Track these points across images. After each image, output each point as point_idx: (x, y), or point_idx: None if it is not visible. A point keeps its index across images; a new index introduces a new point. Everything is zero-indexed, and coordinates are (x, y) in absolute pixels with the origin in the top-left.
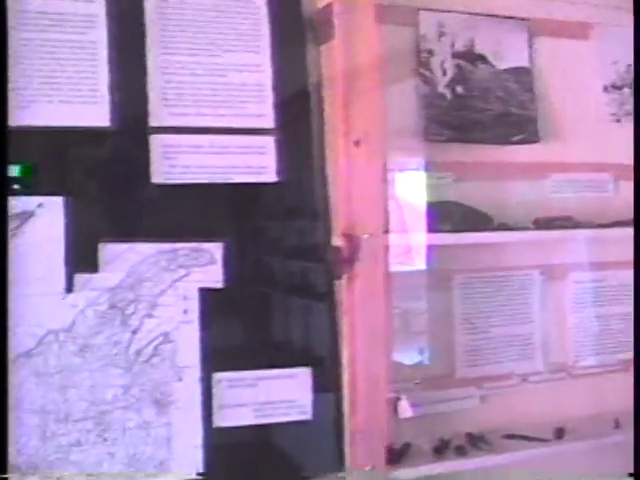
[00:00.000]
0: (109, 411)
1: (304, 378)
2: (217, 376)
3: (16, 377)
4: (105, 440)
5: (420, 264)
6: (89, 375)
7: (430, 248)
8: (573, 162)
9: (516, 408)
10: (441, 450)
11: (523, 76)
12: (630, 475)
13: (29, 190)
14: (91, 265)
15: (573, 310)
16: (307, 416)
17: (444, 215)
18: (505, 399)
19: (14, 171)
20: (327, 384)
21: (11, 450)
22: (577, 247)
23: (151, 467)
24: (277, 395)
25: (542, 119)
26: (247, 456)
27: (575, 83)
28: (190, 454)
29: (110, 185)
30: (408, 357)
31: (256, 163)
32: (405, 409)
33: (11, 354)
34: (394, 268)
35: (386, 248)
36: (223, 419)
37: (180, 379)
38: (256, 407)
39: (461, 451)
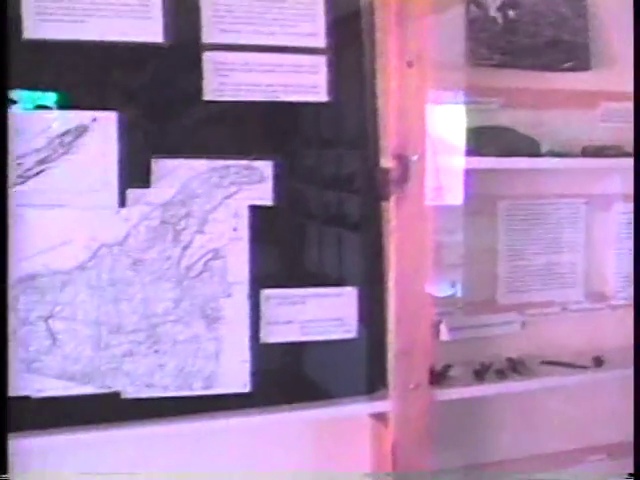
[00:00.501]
0: (160, 324)
1: (350, 297)
2: (265, 293)
3: (71, 289)
4: (156, 352)
5: (465, 189)
6: (141, 288)
7: (476, 172)
8: (624, 91)
9: (556, 335)
10: (481, 373)
11: (576, 2)
12: (630, 475)
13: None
14: (144, 180)
15: (616, 241)
16: (352, 334)
17: (491, 139)
18: (545, 326)
19: (51, 99)
20: (372, 304)
21: (66, 363)
22: (623, 178)
23: (199, 380)
24: (323, 313)
25: (594, 46)
26: (292, 373)
27: (629, 11)
28: (237, 369)
29: (163, 101)
30: (450, 283)
31: (307, 82)
32: (445, 332)
33: (66, 266)
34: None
35: (437, 170)
36: (270, 335)
37: (229, 295)
38: (302, 324)
39: (501, 375)
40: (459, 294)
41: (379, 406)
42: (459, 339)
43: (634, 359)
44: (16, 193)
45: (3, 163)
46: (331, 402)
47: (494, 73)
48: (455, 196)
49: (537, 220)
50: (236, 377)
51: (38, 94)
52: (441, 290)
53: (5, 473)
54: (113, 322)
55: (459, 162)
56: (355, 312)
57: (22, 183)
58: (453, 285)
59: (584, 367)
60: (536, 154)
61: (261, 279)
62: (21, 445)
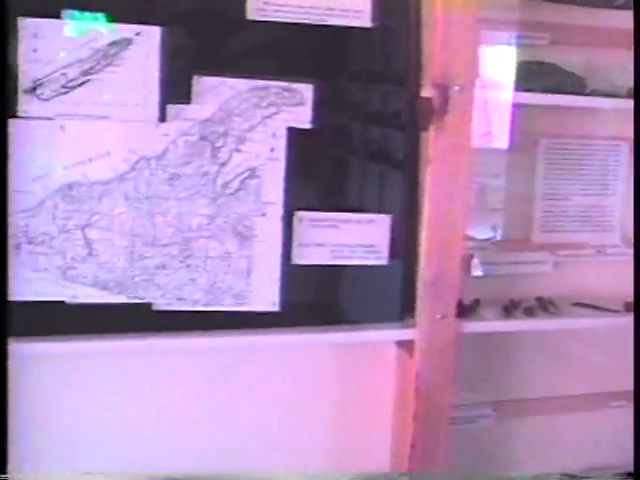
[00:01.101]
0: (193, 239)
1: (383, 225)
2: (299, 214)
3: (109, 200)
4: (188, 266)
5: (507, 123)
6: (176, 203)
7: (518, 108)
8: None
9: (588, 278)
10: (510, 310)
11: None
12: (630, 475)
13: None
14: (184, 96)
15: None
16: (383, 262)
17: (537, 75)
18: (578, 268)
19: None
20: (405, 233)
21: (101, 272)
22: None
23: (229, 297)
24: (355, 239)
25: None
26: (321, 296)
27: None
28: (267, 288)
29: (206, 19)
30: (485, 217)
31: (351, 6)
32: (477, 267)
33: (104, 177)
34: (481, 125)
35: (476, 102)
36: (301, 257)
37: (263, 214)
38: (334, 248)
39: (529, 313)
40: (498, 237)
41: (405, 334)
42: (490, 275)
43: (634, 359)
44: (59, 103)
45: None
46: (358, 327)
47: (544, 7)
48: (501, 140)
49: (577, 160)
50: (266, 296)
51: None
52: (480, 233)
53: (5, 473)
54: (148, 234)
55: (504, 96)
56: (387, 240)
57: (65, 93)
58: (494, 229)
59: (615, 311)
60: (581, 92)
61: (295, 201)
62: (53, 348)
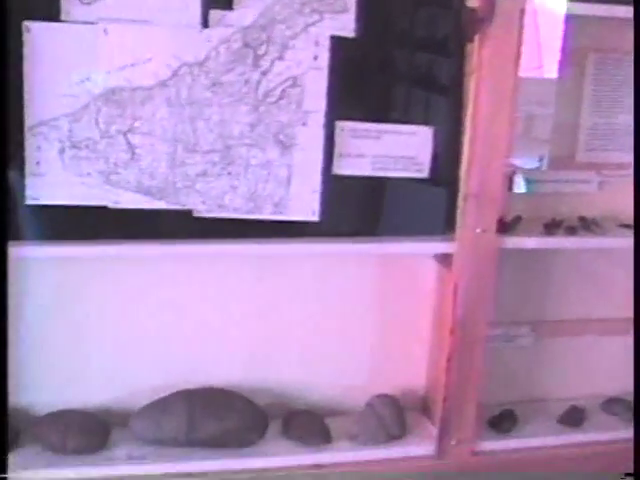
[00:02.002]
0: (234, 146)
1: (425, 136)
2: (340, 124)
3: (151, 105)
4: (229, 174)
5: (556, 36)
6: (218, 110)
7: (568, 19)
8: None
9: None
10: (551, 228)
11: None
12: (629, 475)
13: None
14: (226, 2)
15: None
16: (424, 174)
17: None
18: (624, 189)
19: None
20: (447, 145)
21: (143, 177)
22: None
23: (269, 205)
24: (397, 150)
25: None
26: (361, 207)
27: None
28: (307, 197)
29: None
30: (532, 145)
31: None
32: (519, 184)
33: (147, 82)
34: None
35: (522, 11)
36: (342, 167)
37: (304, 124)
38: (375, 159)
39: (572, 232)
40: (544, 167)
41: (445, 247)
42: (533, 193)
43: (634, 360)
44: (102, 7)
45: None
46: (397, 239)
47: None
48: (551, 69)
49: (625, 77)
50: (306, 205)
51: None
52: (526, 163)
53: (5, 473)
54: (189, 141)
55: (553, 7)
56: (429, 152)
57: None
58: (540, 159)
59: None
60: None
61: (337, 110)
62: (95, 252)
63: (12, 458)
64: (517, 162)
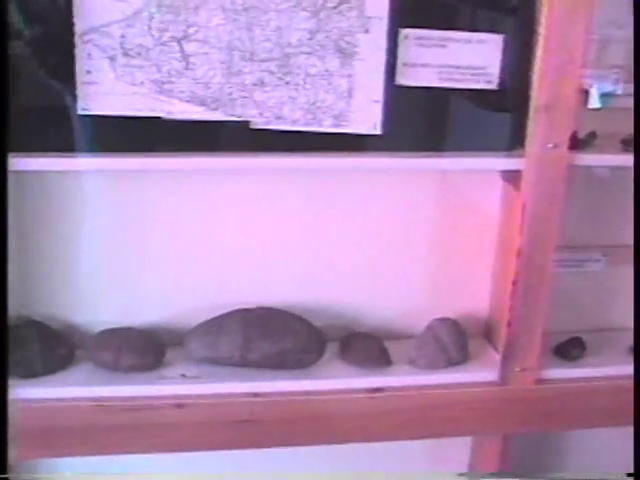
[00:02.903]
0: (293, 55)
1: (495, 45)
2: (405, 32)
3: (205, 11)
4: (287, 83)
5: None
6: (276, 16)
7: None
8: None
9: None
10: (629, 145)
11: None
12: (630, 475)
13: None
14: None
15: None
16: (493, 86)
17: None
18: None
19: None
20: (518, 55)
21: (198, 87)
22: None
23: (329, 117)
24: (464, 60)
25: None
26: (425, 120)
27: None
28: (369, 109)
29: None
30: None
31: None
32: (595, 99)
33: None
34: None
35: None
36: (406, 77)
37: (366, 31)
38: (441, 69)
39: None
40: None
41: (513, 163)
42: (609, 108)
43: (634, 360)
44: None
45: None
46: (462, 154)
47: None
48: None
49: None
50: (367, 117)
51: None
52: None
53: (5, 473)
54: (246, 49)
55: None
56: (499, 62)
57: None
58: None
59: None
60: None
61: (401, 17)
62: (148, 165)
63: (65, 376)
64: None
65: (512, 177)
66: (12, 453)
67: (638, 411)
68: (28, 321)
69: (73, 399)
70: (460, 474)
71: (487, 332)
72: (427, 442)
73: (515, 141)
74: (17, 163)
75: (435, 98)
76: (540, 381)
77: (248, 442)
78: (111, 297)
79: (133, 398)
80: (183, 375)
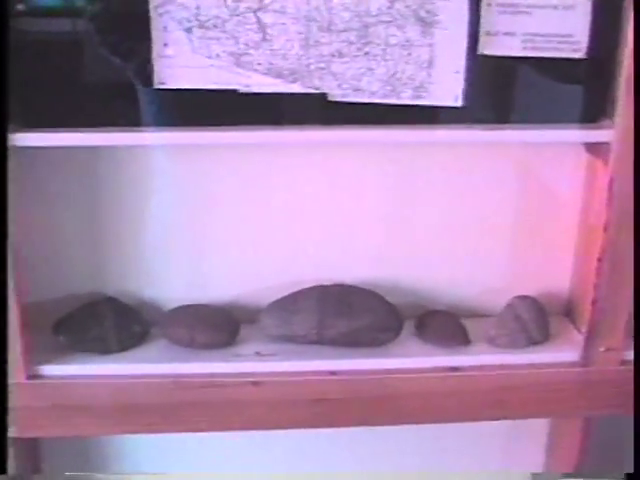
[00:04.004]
0: (372, 24)
1: (584, 11)
2: None
3: None
4: (366, 54)
5: None
6: None
7: None
8: None
9: None
10: None
11: None
12: (629, 475)
13: None
14: None
15: None
16: (580, 54)
17: None
18: None
19: None
20: (608, 21)
21: (275, 59)
22: None
23: (409, 89)
24: (550, 27)
25: None
26: (508, 91)
27: None
28: (450, 80)
29: None
30: None
31: None
32: None
33: None
34: None
35: None
36: (489, 46)
37: None
38: (525, 38)
39: None
40: None
41: (600, 135)
42: None
43: (634, 360)
44: None
45: None
46: (546, 126)
47: None
48: None
49: None
50: (448, 89)
51: None
52: None
53: (5, 473)
54: (323, 19)
55: None
56: (587, 28)
57: None
58: None
59: None
60: None
61: None
62: (224, 138)
63: (140, 353)
64: None
65: (599, 149)
66: (89, 430)
67: (638, 411)
68: (103, 298)
69: (148, 376)
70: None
71: (568, 311)
72: (503, 424)
73: (601, 112)
74: (90, 138)
75: (519, 67)
76: (625, 362)
77: (323, 421)
78: (184, 273)
79: (208, 375)
80: (258, 353)
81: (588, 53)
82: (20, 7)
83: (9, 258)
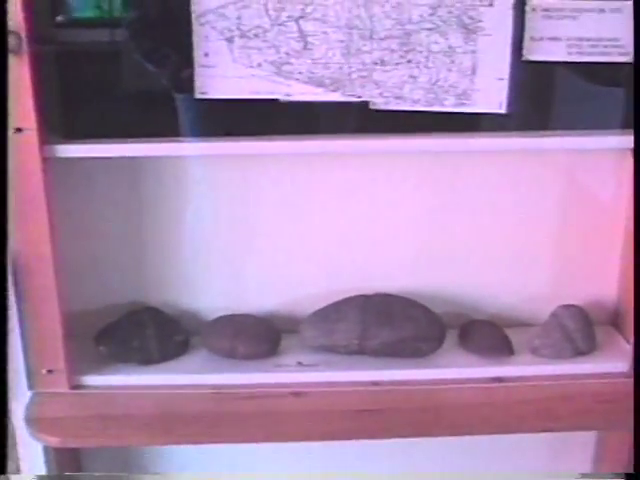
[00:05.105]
0: (414, 32)
1: (630, 13)
2: (531, 3)
3: None
4: (409, 62)
5: None
6: None
7: None
8: None
9: None
10: None
11: None
12: (629, 475)
13: None
14: None
15: None
16: (627, 58)
17: None
18: None
19: None
20: None
21: (316, 67)
22: None
23: (452, 96)
24: (597, 31)
25: None
26: (554, 96)
27: None
28: (494, 87)
29: None
30: None
31: None
32: None
33: None
34: None
35: None
36: (533, 52)
37: (491, 4)
38: (571, 42)
39: None
40: None
41: None
42: None
43: (634, 360)
44: None
45: None
46: (592, 133)
47: None
48: None
49: None
50: (492, 96)
51: None
52: None
53: (4, 473)
54: (365, 27)
55: None
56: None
57: None
58: None
59: None
60: None
61: None
62: (265, 148)
63: (182, 363)
64: None
65: None
66: (129, 440)
67: (638, 411)
68: (144, 307)
69: (189, 386)
70: (583, 475)
71: (615, 320)
72: (546, 437)
73: None
74: (132, 149)
75: (565, 73)
76: None
77: (366, 433)
78: (224, 283)
79: (250, 386)
80: (300, 363)
81: (637, 57)
82: (60, 19)
83: (51, 268)
